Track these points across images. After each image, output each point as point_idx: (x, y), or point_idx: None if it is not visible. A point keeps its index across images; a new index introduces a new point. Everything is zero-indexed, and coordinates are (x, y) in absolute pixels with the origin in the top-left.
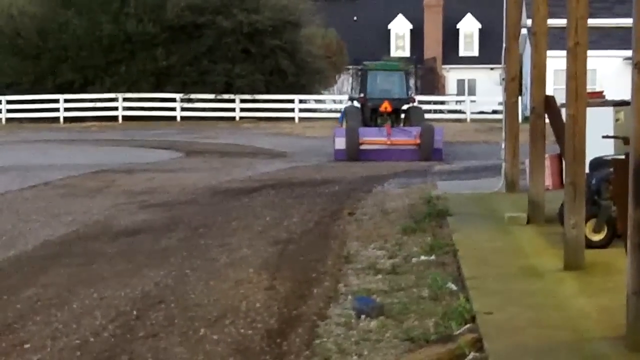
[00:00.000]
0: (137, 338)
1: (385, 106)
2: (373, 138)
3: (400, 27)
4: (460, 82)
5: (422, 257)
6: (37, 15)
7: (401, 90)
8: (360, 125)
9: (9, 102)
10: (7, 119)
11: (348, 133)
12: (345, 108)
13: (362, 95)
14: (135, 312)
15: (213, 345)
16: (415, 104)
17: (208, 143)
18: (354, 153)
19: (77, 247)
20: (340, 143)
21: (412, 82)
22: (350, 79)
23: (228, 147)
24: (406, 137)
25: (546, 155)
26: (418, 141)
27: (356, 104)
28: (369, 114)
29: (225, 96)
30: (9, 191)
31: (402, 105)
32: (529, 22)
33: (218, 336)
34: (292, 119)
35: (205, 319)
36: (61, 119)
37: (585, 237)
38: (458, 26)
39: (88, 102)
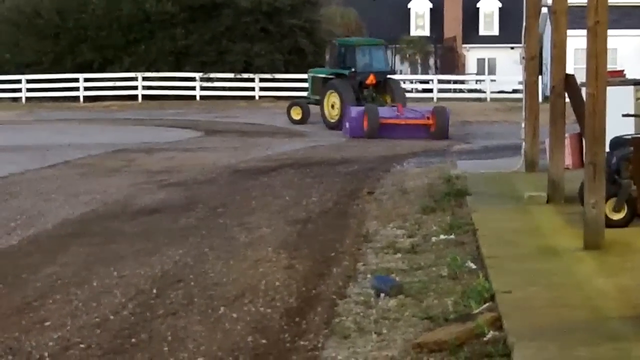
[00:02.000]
0: (157, 316)
1: (371, 79)
2: (391, 118)
3: (420, 6)
4: (481, 62)
5: (442, 236)
6: None
7: (384, 64)
8: (354, 100)
9: (29, 81)
10: (27, 99)
11: (369, 112)
12: (334, 83)
13: (353, 70)
14: (154, 291)
15: (232, 324)
16: (393, 77)
17: (227, 122)
18: (375, 132)
19: (97, 226)
20: (356, 121)
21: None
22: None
23: (247, 127)
24: (418, 117)
25: (566, 135)
26: (431, 121)
27: (320, 75)
28: (357, 87)
29: (245, 75)
30: (29, 170)
31: (385, 77)
32: (549, 0)
33: (237, 315)
34: None
35: (224, 297)
36: (81, 99)
37: (605, 216)
38: (478, 5)
39: (108, 81)
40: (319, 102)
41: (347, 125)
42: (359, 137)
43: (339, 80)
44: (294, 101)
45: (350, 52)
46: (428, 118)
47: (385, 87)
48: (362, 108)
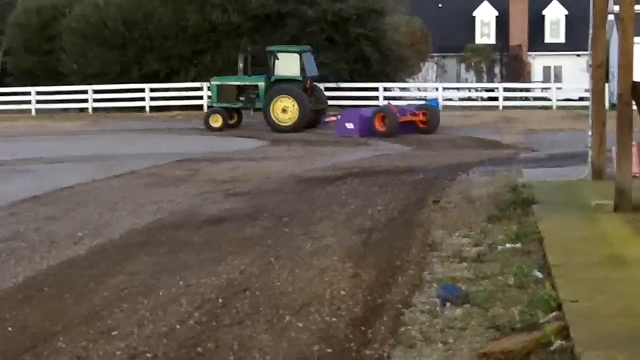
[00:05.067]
0: (223, 325)
1: (309, 84)
2: (400, 116)
3: (485, 14)
4: (546, 69)
5: (508, 245)
6: (123, 5)
7: (315, 69)
8: (308, 104)
9: (95, 91)
10: (94, 109)
11: (388, 112)
12: (289, 88)
13: (304, 75)
14: (220, 300)
15: (298, 333)
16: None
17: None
18: (395, 130)
19: (163, 235)
20: (367, 121)
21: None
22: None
23: (312, 136)
24: (410, 115)
25: (633, 143)
26: (424, 118)
27: (233, 83)
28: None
29: None
30: (96, 180)
31: (314, 82)
32: (616, 8)
33: (303, 324)
34: None
35: (290, 306)
36: (147, 108)
37: None
38: (544, 12)
39: (174, 91)
40: (226, 110)
41: (352, 126)
42: (368, 135)
43: (292, 85)
44: (211, 109)
45: (297, 59)
46: (416, 114)
47: (312, 92)
48: (369, 109)
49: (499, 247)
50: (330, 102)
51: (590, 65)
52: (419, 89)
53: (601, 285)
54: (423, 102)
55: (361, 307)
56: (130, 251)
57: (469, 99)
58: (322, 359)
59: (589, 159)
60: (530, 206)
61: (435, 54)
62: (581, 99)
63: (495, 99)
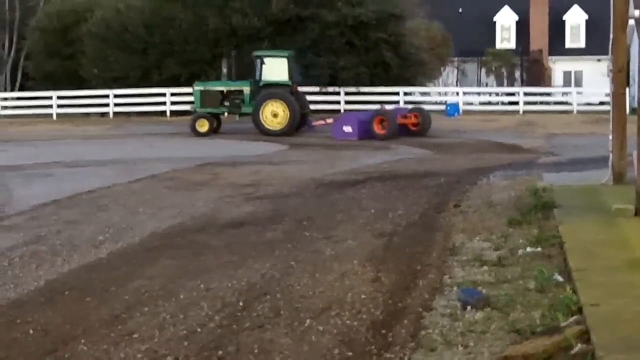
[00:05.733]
0: (243, 329)
1: (295, 88)
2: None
3: (505, 19)
4: (567, 74)
5: (528, 249)
6: (144, 10)
7: (299, 73)
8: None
9: (116, 96)
10: (115, 113)
11: (388, 116)
12: (279, 92)
13: (294, 79)
14: (241, 303)
15: (318, 337)
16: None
17: (312, 135)
18: (395, 132)
19: (183, 239)
20: (365, 125)
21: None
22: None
23: (332, 140)
24: (401, 117)
25: None
26: (415, 120)
27: (217, 88)
28: None
29: (330, 89)
30: (117, 184)
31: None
32: (637, 12)
33: (323, 327)
34: None
35: (310, 310)
36: (168, 113)
37: None
38: (564, 17)
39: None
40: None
41: (350, 129)
42: (366, 139)
43: (281, 89)
44: (198, 114)
45: (285, 63)
46: (407, 117)
47: (297, 96)
48: (367, 113)
49: (520, 251)
50: (350, 107)
51: (611, 70)
52: (439, 94)
53: (622, 289)
54: (414, 105)
55: (382, 311)
56: (151, 255)
57: (490, 103)
58: None
59: (610, 163)
60: (551, 210)
61: (455, 59)
62: (601, 103)
63: (516, 103)
